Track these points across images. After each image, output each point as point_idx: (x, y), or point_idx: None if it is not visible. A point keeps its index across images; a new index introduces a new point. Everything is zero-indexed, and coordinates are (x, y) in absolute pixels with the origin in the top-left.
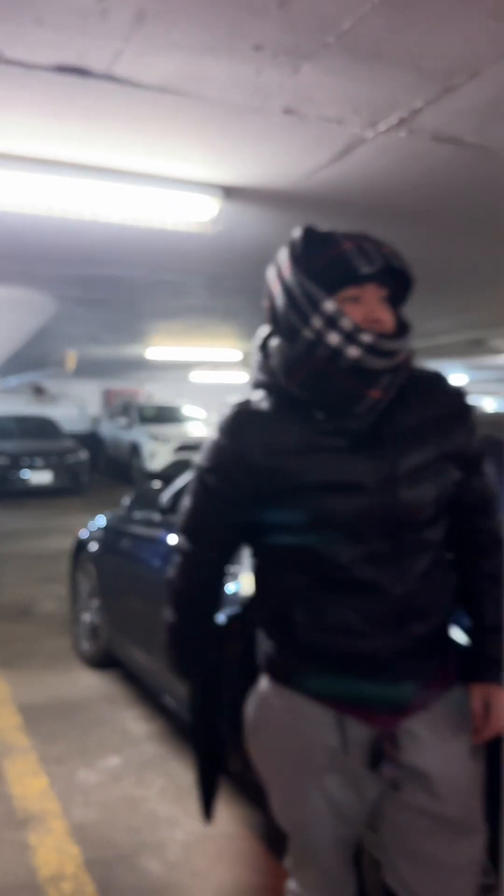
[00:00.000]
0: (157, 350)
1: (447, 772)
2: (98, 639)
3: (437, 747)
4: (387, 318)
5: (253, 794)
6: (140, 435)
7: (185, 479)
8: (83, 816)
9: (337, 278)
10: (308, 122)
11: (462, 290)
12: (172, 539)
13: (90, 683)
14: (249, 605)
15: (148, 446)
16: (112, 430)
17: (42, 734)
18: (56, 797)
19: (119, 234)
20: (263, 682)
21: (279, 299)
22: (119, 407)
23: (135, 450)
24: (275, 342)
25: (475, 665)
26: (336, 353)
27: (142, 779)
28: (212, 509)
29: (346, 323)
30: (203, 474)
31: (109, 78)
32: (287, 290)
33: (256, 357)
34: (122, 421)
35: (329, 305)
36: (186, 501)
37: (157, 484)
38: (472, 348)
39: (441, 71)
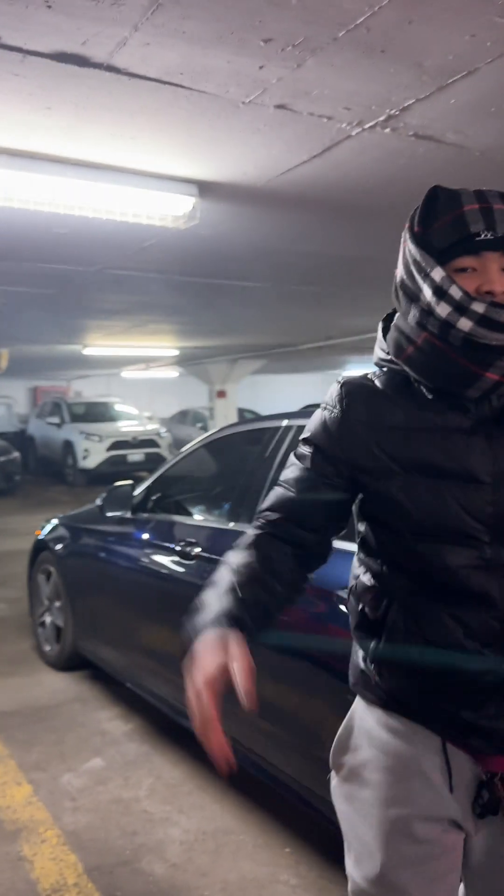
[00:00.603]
0: (96, 348)
1: None
2: (63, 640)
3: None
4: None
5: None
6: (73, 433)
7: (154, 476)
8: (75, 823)
9: (451, 245)
10: (298, 118)
11: None
12: (145, 536)
13: (58, 686)
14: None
15: (82, 444)
16: (43, 428)
17: (17, 741)
18: (43, 805)
19: (81, 228)
20: (358, 703)
21: (399, 271)
22: (49, 405)
23: (68, 448)
24: (396, 318)
25: None
26: (446, 325)
27: (128, 779)
28: (304, 480)
29: (455, 291)
30: (300, 446)
31: (109, 68)
32: (404, 262)
33: (378, 334)
34: (54, 419)
35: (437, 274)
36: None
37: (127, 482)
38: None
39: (441, 68)
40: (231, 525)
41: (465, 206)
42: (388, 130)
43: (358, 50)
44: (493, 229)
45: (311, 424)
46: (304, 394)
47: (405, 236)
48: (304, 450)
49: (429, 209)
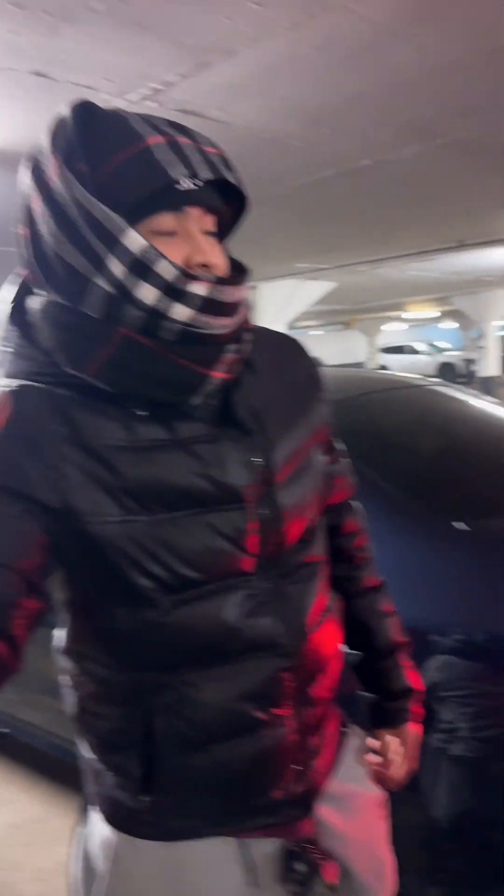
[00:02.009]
0: None
1: (365, 858)
2: None
3: (350, 824)
4: (220, 261)
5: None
6: None
7: None
8: None
9: (142, 195)
10: (57, 86)
11: None
12: None
13: None
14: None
15: None
16: None
17: None
18: None
19: None
20: (114, 837)
21: (45, 226)
22: None
23: None
24: (38, 303)
25: (385, 709)
26: (155, 315)
27: None
28: None
29: (165, 269)
30: None
31: None
32: (57, 211)
33: (9, 331)
34: None
35: (134, 242)
36: None
37: None
38: None
39: (200, 48)
40: None
41: (149, 139)
42: (153, 104)
43: (117, 23)
44: (195, 174)
45: None
46: None
47: (50, 174)
48: None
49: (89, 137)
